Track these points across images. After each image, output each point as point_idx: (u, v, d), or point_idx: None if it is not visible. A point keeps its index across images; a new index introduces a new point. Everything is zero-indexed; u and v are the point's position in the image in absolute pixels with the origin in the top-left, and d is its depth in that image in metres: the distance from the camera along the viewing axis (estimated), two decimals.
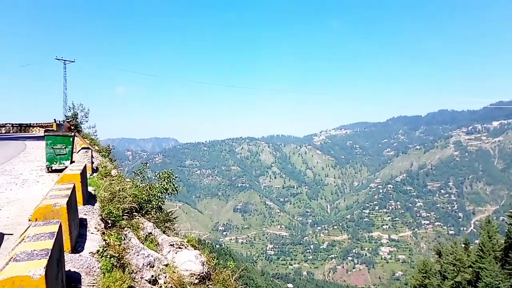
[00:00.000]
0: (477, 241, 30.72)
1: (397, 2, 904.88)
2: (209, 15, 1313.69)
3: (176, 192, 16.82)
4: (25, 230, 4.81)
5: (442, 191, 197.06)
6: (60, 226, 4.39)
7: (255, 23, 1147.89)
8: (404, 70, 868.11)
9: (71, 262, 5.27)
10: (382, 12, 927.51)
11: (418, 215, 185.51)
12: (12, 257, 3.33)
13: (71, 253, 5.54)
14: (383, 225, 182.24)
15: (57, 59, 68.94)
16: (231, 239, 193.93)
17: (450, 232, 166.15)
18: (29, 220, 5.40)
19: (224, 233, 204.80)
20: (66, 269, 4.85)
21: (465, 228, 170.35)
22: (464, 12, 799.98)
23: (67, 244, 5.39)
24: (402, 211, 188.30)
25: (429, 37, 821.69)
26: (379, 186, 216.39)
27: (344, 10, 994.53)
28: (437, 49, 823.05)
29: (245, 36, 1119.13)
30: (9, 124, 56.56)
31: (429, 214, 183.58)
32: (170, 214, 16.19)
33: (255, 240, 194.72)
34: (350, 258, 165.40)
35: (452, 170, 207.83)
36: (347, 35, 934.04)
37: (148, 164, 19.56)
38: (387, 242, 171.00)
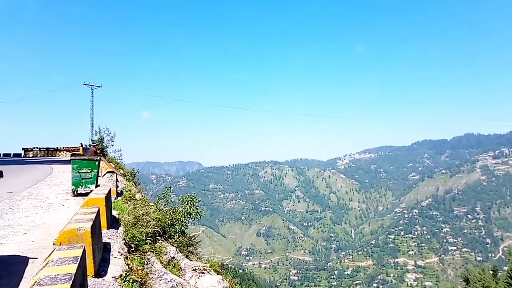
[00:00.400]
0: (505, 268, 30.30)
1: (422, 26, 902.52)
2: (232, 38, 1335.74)
3: (199, 216, 17.23)
4: (49, 254, 4.85)
5: (469, 216, 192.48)
6: (84, 251, 4.46)
7: (278, 47, 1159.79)
8: (429, 93, 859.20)
9: (94, 287, 5.35)
10: (407, 35, 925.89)
11: (444, 240, 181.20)
12: (36, 281, 3.41)
13: (94, 277, 5.66)
14: (409, 250, 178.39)
15: (85, 85, 70.24)
16: (254, 264, 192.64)
17: (478, 258, 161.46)
18: (54, 244, 5.56)
19: (247, 257, 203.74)
20: None
21: (493, 255, 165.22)
22: (489, 36, 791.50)
23: (90, 268, 5.48)
24: (428, 236, 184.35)
25: (454, 62, 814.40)
26: (404, 211, 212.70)
27: (369, 33, 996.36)
28: (462, 73, 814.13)
29: (270, 60, 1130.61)
30: (37, 148, 59.40)
31: (456, 240, 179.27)
32: (193, 238, 17.14)
33: (278, 265, 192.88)
34: (375, 285, 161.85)
35: (479, 195, 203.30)
36: (372, 58, 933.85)
37: (172, 188, 19.99)
38: (413, 269, 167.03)
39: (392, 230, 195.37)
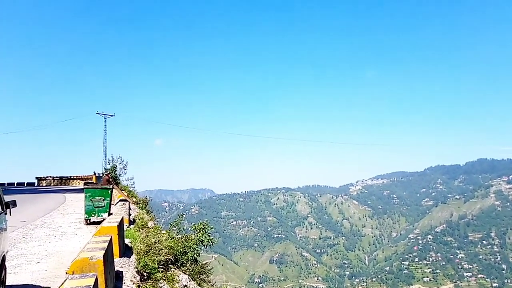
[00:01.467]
0: None
1: (432, 49, 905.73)
2: (241, 65, 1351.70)
3: (211, 243, 17.49)
4: (62, 283, 4.79)
5: (484, 242, 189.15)
6: (96, 279, 4.46)
7: (286, 73, 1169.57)
8: (441, 119, 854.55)
9: None
10: (418, 58, 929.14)
11: (460, 267, 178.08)
12: None
13: None
14: (424, 277, 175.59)
15: (98, 114, 70.75)
16: None
17: (494, 284, 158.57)
18: (66, 273, 5.53)
19: (260, 285, 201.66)
20: None
21: (509, 281, 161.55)
22: (503, 59, 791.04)
23: None
24: (443, 263, 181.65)
25: (467, 85, 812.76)
26: (418, 237, 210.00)
27: (379, 59, 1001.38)
28: (476, 97, 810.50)
29: (281, 86, 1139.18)
30: (50, 177, 59.99)
31: (471, 266, 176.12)
32: (205, 266, 17.06)
33: None
34: None
35: (494, 220, 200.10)
36: (383, 82, 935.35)
37: (184, 215, 20.28)
38: None
39: (406, 256, 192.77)
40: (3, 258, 6.54)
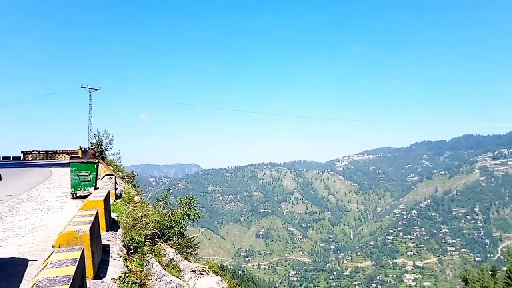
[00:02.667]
0: (504, 268, 30.11)
1: (420, 27, 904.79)
2: (228, 40, 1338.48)
3: (198, 217, 17.36)
4: (48, 257, 4.85)
5: (468, 217, 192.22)
6: (83, 253, 4.49)
7: (277, 48, 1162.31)
8: (428, 94, 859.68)
9: None
10: (406, 36, 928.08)
11: (443, 241, 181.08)
12: (34, 283, 3.44)
13: (93, 279, 5.71)
14: (408, 251, 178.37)
15: (83, 88, 70.04)
16: (253, 265, 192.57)
17: (477, 259, 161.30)
18: (53, 247, 5.57)
19: (247, 259, 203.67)
20: None
21: (492, 255, 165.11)
22: (488, 36, 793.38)
23: (89, 270, 5.55)
24: (427, 237, 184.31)
25: (453, 62, 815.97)
26: (403, 212, 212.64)
27: (367, 33, 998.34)
28: (461, 74, 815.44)
29: (268, 61, 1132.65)
30: (36, 151, 59.03)
31: (454, 241, 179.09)
32: (192, 240, 17.11)
33: (277, 266, 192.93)
34: (374, 285, 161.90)
35: (478, 195, 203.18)
36: (371, 59, 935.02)
37: (170, 190, 20.32)
38: (412, 269, 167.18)
39: (390, 231, 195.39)
40: None
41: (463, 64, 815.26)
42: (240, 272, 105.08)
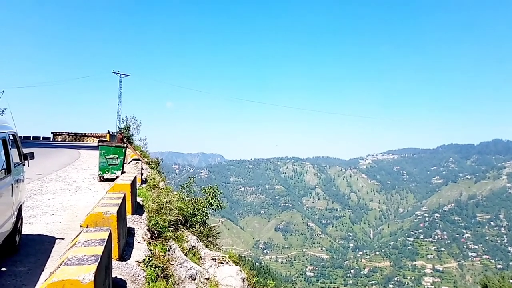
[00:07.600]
0: None
1: (454, 27, 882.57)
2: (260, 31, 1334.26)
3: (220, 207, 17.51)
4: (77, 236, 4.94)
5: (492, 223, 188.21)
6: (110, 234, 4.59)
7: (307, 43, 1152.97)
8: (458, 98, 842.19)
9: (118, 270, 5.56)
10: (438, 36, 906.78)
11: (465, 246, 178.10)
12: (63, 261, 3.48)
13: (118, 260, 5.87)
14: (428, 254, 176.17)
15: (114, 73, 71.25)
16: (271, 258, 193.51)
17: (498, 266, 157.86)
18: (81, 226, 5.71)
19: (265, 251, 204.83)
20: (113, 276, 5.17)
21: None
22: None
23: (115, 251, 5.68)
24: (449, 241, 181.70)
25: (486, 66, 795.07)
26: (425, 214, 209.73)
27: (394, 34, 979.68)
28: (494, 77, 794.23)
29: (298, 55, 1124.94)
30: (65, 133, 60.35)
31: (476, 246, 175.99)
32: (213, 229, 17.16)
33: (295, 260, 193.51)
34: (391, 286, 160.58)
35: (504, 202, 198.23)
36: (401, 58, 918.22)
37: (194, 179, 20.32)
38: (431, 272, 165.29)
39: (411, 232, 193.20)
40: (20, 208, 6.76)
41: (495, 68, 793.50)
42: (257, 264, 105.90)
